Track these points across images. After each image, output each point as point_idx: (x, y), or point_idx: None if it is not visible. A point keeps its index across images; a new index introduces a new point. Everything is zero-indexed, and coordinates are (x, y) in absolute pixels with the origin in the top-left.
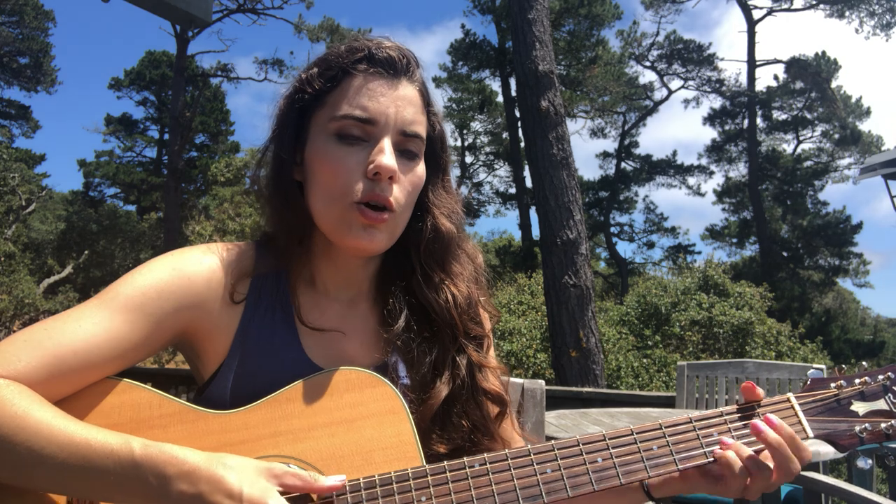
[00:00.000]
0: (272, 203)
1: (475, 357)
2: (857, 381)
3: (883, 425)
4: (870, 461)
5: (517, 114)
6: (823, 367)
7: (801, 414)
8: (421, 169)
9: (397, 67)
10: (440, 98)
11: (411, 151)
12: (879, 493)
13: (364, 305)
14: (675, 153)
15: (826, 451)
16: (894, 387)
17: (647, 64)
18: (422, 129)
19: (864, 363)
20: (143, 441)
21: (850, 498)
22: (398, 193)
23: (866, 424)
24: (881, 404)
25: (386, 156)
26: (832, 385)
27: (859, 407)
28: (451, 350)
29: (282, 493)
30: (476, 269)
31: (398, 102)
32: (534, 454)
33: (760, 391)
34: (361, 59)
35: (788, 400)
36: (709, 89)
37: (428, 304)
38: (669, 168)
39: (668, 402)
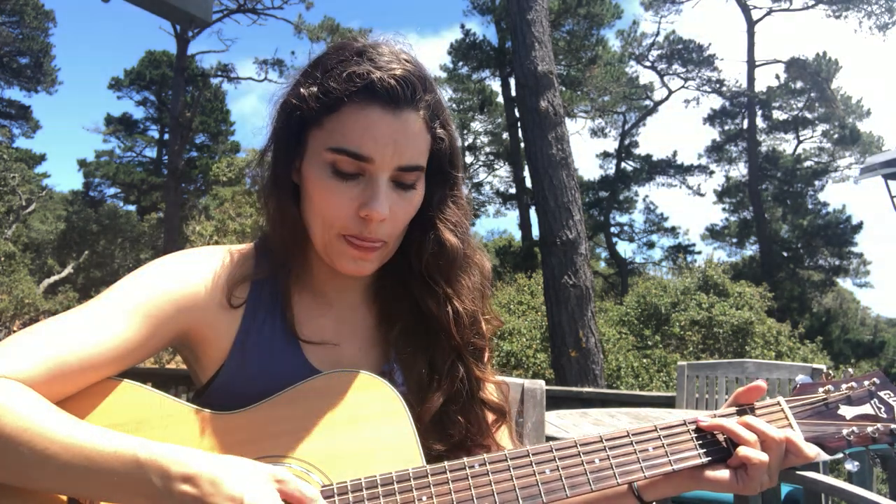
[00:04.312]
0: (268, 208)
1: (476, 372)
2: (844, 386)
3: (869, 429)
4: (857, 463)
5: (517, 114)
6: (824, 366)
7: (791, 417)
8: (418, 196)
9: (399, 98)
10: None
11: (408, 183)
12: (879, 493)
13: (362, 308)
14: (675, 153)
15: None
16: (879, 392)
17: (647, 64)
18: (422, 159)
19: (850, 370)
20: (147, 441)
21: (850, 498)
22: (390, 229)
23: (853, 428)
24: (867, 409)
25: (380, 201)
26: (820, 390)
27: (846, 411)
28: (450, 357)
29: (283, 499)
30: (483, 280)
31: (397, 137)
32: (532, 455)
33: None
34: (362, 91)
35: (779, 404)
36: (709, 89)
37: (428, 310)
38: (669, 168)
39: (668, 403)
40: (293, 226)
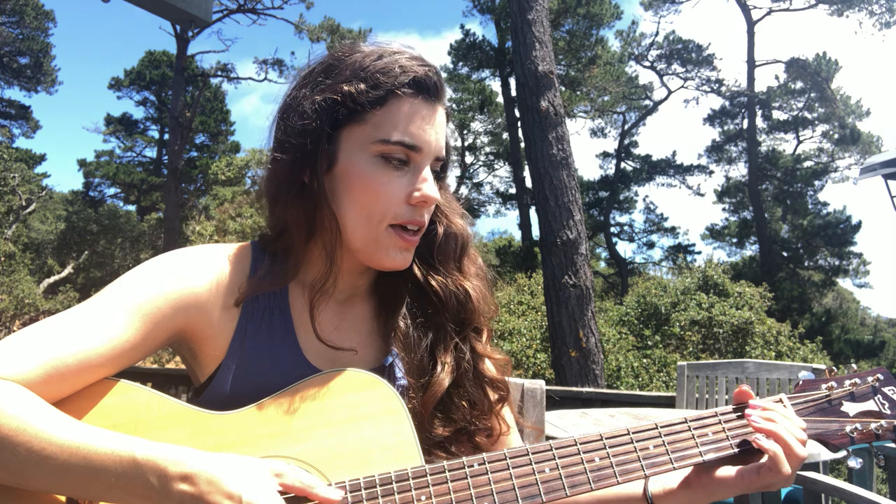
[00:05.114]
0: (290, 210)
1: (480, 349)
2: (847, 382)
3: (873, 425)
4: (860, 460)
5: (517, 114)
6: (824, 366)
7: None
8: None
9: (438, 93)
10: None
11: (437, 171)
12: (879, 493)
13: (361, 304)
14: (674, 153)
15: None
16: (883, 388)
17: (647, 64)
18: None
19: (853, 365)
20: (145, 441)
21: (850, 498)
22: (429, 213)
23: (857, 424)
24: (871, 405)
25: (431, 185)
26: (823, 386)
27: (850, 408)
28: (455, 338)
29: (281, 493)
30: (481, 266)
31: (437, 130)
32: (532, 454)
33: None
34: (411, 84)
35: (781, 401)
36: (708, 89)
37: (435, 293)
38: (669, 168)
39: (668, 402)
40: (325, 226)
